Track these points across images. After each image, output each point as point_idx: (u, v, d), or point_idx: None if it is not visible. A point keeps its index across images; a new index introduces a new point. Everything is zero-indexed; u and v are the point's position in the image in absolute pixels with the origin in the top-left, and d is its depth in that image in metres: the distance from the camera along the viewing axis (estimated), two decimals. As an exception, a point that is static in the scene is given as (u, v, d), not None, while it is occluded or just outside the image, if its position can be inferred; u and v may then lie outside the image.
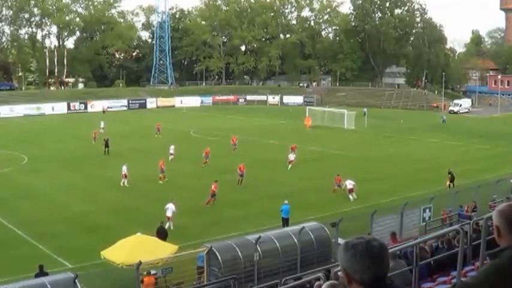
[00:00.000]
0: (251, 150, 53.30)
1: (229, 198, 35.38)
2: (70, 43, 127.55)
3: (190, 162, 47.70)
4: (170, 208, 29.14)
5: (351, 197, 35.53)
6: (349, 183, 36.04)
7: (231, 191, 37.41)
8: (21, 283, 18.20)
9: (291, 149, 47.03)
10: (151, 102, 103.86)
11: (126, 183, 39.03)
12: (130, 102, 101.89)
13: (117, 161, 48.22)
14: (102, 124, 64.04)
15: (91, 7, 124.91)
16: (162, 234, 25.60)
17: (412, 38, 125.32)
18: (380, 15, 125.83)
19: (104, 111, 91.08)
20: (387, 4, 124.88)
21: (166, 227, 27.80)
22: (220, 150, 53.44)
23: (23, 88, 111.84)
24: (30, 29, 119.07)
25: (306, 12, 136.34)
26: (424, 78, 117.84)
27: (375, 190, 37.63)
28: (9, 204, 34.35)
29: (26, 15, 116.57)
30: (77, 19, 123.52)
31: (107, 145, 51.32)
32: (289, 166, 44.90)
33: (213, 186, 34.27)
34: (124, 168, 39.24)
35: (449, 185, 38.55)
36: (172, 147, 49.33)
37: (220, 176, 42.00)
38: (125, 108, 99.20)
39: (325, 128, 70.95)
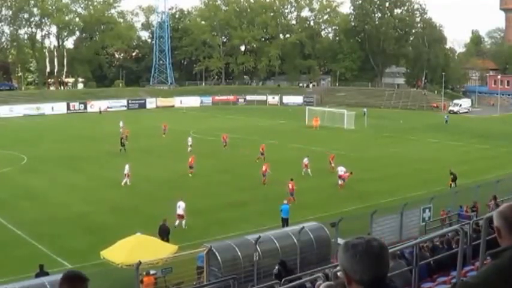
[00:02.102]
0: (251, 150, 53.26)
1: (229, 198, 35.39)
2: (70, 43, 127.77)
3: (186, 162, 47.70)
4: (181, 206, 29.64)
5: (340, 181, 38.59)
6: (340, 170, 39.00)
7: (231, 191, 37.44)
8: (21, 283, 18.20)
9: (331, 158, 45.01)
10: (151, 103, 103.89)
11: (128, 182, 39.26)
12: (130, 102, 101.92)
13: (117, 161, 48.30)
14: (121, 124, 64.75)
15: (91, 7, 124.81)
16: (165, 232, 25.75)
17: (411, 38, 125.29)
18: (380, 15, 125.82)
19: (100, 112, 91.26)
20: (387, 4, 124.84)
21: (176, 224, 28.85)
22: (220, 150, 53.50)
23: (23, 88, 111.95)
24: (29, 29, 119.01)
25: (305, 12, 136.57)
26: (423, 78, 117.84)
27: (374, 190, 37.65)
28: (9, 204, 34.35)
29: (26, 15, 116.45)
30: (77, 19, 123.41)
31: (122, 143, 52.30)
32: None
33: (290, 186, 34.75)
34: (126, 167, 39.51)
35: (450, 184, 38.64)
36: (189, 139, 53.32)
37: (219, 175, 42.19)
38: (125, 108, 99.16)
39: (325, 128, 70.95)
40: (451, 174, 39.05)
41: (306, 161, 43.12)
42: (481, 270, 2.68)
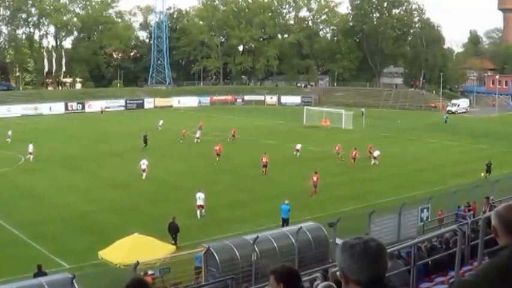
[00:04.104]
0: (249, 150, 53.28)
1: (228, 199, 35.39)
2: (68, 43, 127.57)
3: (186, 162, 47.82)
4: (201, 197, 31.29)
5: (374, 161, 47.07)
6: (375, 153, 47.63)
7: (229, 191, 37.45)
8: (19, 283, 18.18)
9: (370, 148, 50.00)
10: (149, 103, 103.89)
11: (143, 177, 40.55)
12: (128, 102, 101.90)
13: (116, 161, 48.41)
14: (160, 122, 66.87)
15: (89, 7, 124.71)
16: (174, 230, 26.08)
17: (410, 38, 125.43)
18: (378, 15, 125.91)
19: (102, 112, 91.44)
20: (385, 4, 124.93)
21: (202, 215, 31.08)
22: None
23: (21, 88, 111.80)
24: (27, 29, 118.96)
25: (303, 12, 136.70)
26: (421, 78, 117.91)
27: (372, 190, 37.69)
28: (6, 204, 34.29)
29: (24, 15, 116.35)
30: (75, 19, 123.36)
31: (145, 140, 53.87)
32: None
33: (315, 178, 36.53)
34: (145, 162, 40.86)
35: (485, 176, 40.99)
36: (198, 132, 59.32)
37: (218, 176, 42.19)
38: (123, 109, 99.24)
39: (323, 128, 71.00)
40: (486, 166, 41.74)
41: (298, 146, 50.64)
42: (478, 268, 2.69)
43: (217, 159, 47.59)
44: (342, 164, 47.40)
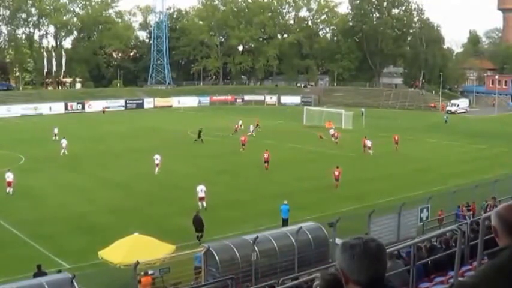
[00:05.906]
0: (249, 150, 53.24)
1: (227, 199, 35.38)
2: (67, 43, 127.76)
3: (185, 162, 47.79)
4: (203, 189, 32.24)
5: (370, 151, 51.26)
6: (368, 142, 51.73)
7: (229, 192, 37.43)
8: (19, 283, 18.17)
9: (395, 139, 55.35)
10: (149, 103, 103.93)
11: (156, 171, 41.97)
12: (127, 102, 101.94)
13: (115, 161, 48.37)
14: (240, 122, 68.39)
15: (88, 7, 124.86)
16: (198, 223, 26.75)
17: (409, 38, 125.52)
18: (378, 15, 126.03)
19: (103, 112, 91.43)
20: (385, 4, 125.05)
21: (200, 206, 31.35)
22: (219, 150, 53.50)
23: (20, 88, 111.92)
24: (27, 29, 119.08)
25: (303, 12, 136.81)
26: (421, 79, 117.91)
27: (372, 190, 37.66)
28: (6, 204, 34.27)
29: (24, 15, 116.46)
30: (75, 19, 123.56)
31: (199, 135, 56.69)
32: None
33: (336, 173, 38.34)
34: (158, 157, 42.47)
35: None
36: (251, 127, 64.49)
37: (218, 176, 42.16)
38: (122, 109, 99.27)
39: (323, 128, 70.90)
40: None
41: (332, 131, 59.73)
42: (478, 270, 2.69)
43: (242, 148, 52.46)
44: (345, 161, 47.27)
